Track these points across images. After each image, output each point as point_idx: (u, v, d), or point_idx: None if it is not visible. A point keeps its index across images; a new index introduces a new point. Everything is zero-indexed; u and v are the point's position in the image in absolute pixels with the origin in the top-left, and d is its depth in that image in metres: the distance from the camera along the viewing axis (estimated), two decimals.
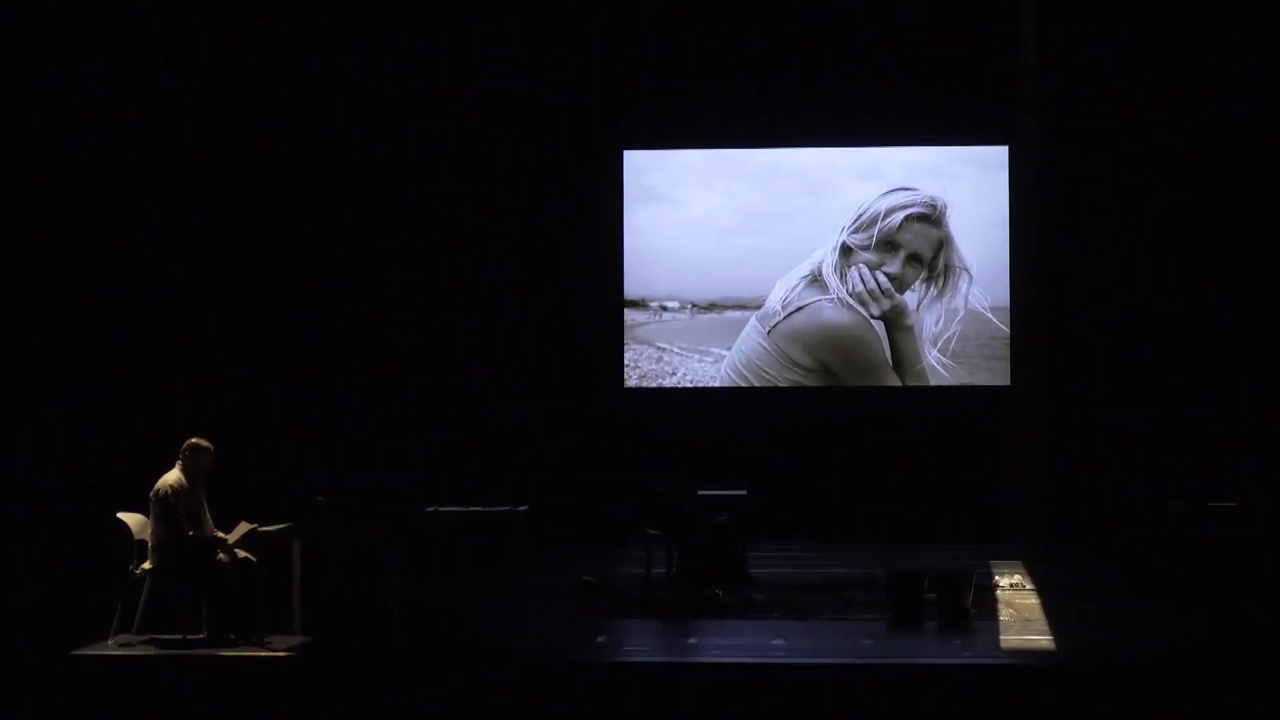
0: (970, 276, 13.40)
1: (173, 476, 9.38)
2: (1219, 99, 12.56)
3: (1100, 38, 12.71)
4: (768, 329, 13.55)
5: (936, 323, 13.43)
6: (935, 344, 13.41)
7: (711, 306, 13.65)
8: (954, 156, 13.55)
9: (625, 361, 13.71)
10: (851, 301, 13.45)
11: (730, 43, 13.23)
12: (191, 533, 9.31)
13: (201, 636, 9.24)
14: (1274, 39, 12.46)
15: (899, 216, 13.46)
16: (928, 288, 13.43)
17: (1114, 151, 12.79)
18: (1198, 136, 12.62)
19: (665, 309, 13.70)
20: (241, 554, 9.41)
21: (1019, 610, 10.12)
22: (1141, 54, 12.63)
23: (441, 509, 10.79)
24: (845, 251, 13.49)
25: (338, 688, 8.49)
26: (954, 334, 13.41)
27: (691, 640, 9.35)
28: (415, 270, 13.24)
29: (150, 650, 9.05)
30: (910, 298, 13.44)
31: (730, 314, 13.64)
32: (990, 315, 13.40)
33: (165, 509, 9.27)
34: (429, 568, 10.44)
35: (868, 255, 13.46)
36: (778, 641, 9.16)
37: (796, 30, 13.18)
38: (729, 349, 13.60)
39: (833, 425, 13.42)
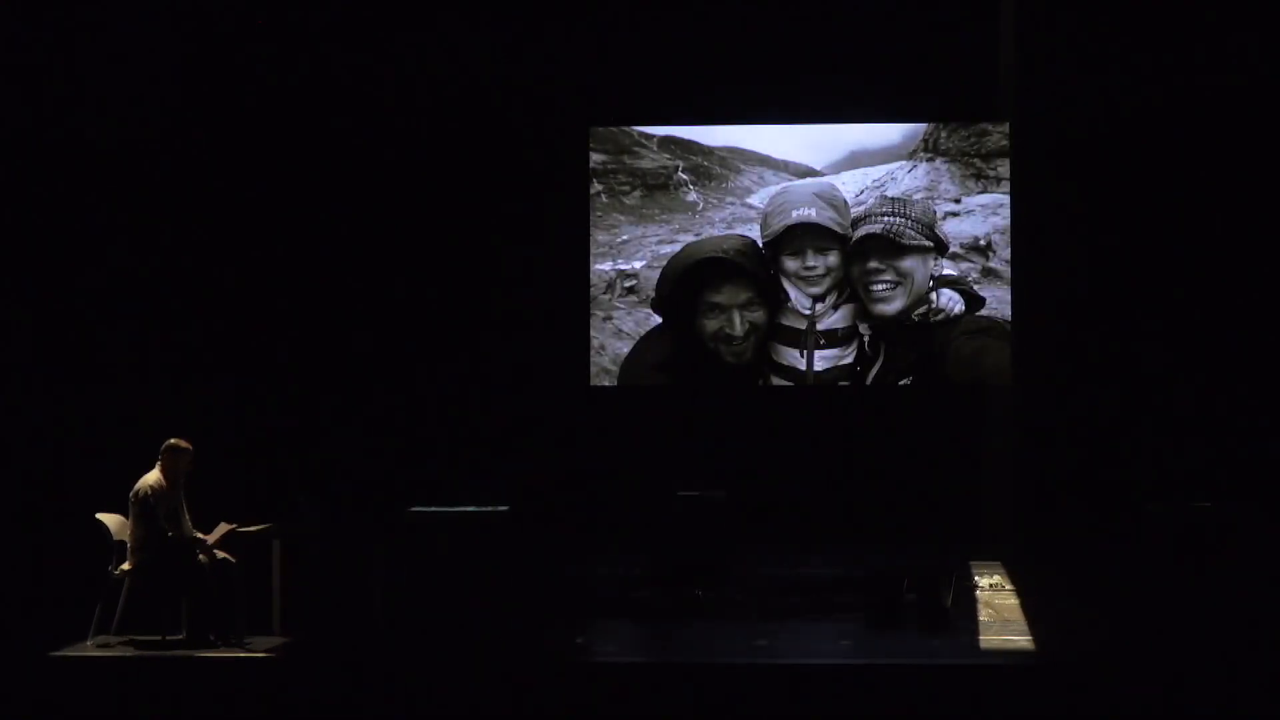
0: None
1: (152, 477, 9.37)
2: (1217, 98, 12.53)
3: (1097, 37, 12.69)
4: None
5: None
6: None
7: None
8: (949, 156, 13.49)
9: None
10: None
11: (708, 29, 13.07)
12: (171, 533, 9.30)
13: (181, 638, 9.24)
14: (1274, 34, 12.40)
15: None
16: None
17: (1107, 156, 12.76)
18: (1189, 143, 12.59)
19: None
20: (221, 555, 9.40)
21: (999, 610, 10.15)
22: (1140, 53, 12.59)
23: (422, 508, 10.76)
24: None
25: (317, 689, 8.49)
26: None
27: (671, 641, 9.36)
28: (393, 267, 13.14)
29: (129, 651, 9.04)
30: None
31: None
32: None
33: (144, 510, 9.26)
34: (410, 568, 10.41)
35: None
36: (760, 642, 9.18)
37: (790, 23, 13.05)
38: None
39: (814, 424, 13.37)
